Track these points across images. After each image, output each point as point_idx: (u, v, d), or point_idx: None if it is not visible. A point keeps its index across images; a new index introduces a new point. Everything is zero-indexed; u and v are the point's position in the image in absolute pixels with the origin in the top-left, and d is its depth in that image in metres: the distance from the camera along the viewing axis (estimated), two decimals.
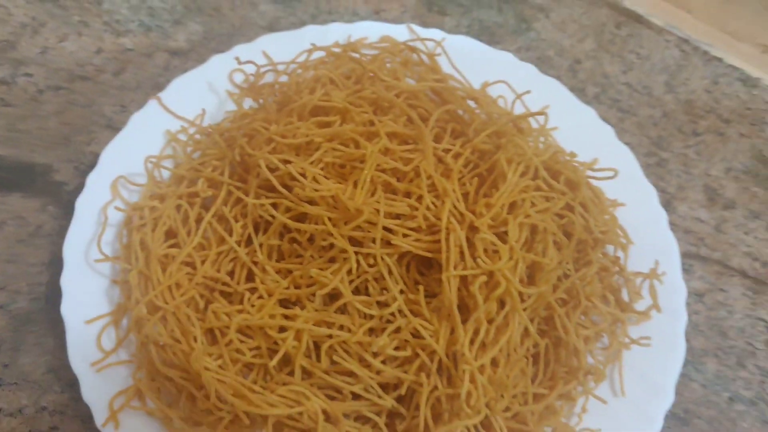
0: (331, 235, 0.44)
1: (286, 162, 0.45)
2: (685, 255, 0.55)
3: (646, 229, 0.53)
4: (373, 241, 0.44)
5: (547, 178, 0.47)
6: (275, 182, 0.45)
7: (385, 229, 0.44)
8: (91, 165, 0.56)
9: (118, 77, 0.61)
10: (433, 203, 0.45)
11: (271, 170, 0.46)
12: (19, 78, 0.60)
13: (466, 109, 0.54)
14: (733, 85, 0.67)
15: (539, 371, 0.46)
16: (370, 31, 0.61)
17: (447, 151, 0.49)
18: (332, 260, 0.46)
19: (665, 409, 0.47)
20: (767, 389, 0.52)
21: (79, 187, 0.55)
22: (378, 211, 0.44)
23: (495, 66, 0.60)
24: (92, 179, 0.51)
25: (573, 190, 0.48)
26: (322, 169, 0.46)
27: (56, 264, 0.52)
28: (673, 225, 0.53)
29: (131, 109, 0.59)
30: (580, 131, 0.57)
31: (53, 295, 0.50)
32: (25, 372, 0.48)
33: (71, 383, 0.47)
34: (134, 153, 0.53)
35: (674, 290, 0.51)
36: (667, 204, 0.59)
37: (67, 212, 0.54)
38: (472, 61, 0.59)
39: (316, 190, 0.44)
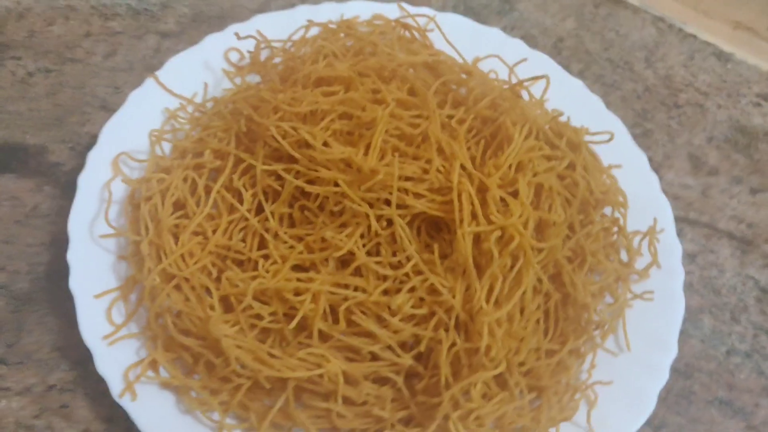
0: (345, 197, 0.44)
1: (296, 129, 0.46)
2: (676, 219, 0.56)
3: (639, 193, 0.54)
4: (386, 202, 0.45)
5: (552, 138, 0.48)
6: (287, 147, 0.45)
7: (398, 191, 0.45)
8: (88, 145, 0.55)
9: (110, 59, 0.60)
10: (442, 165, 0.46)
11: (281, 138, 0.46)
12: (6, 61, 0.59)
13: (461, 82, 0.55)
14: (708, 60, 0.70)
15: (549, 328, 0.47)
16: (361, 9, 0.61)
17: (450, 117, 0.50)
18: (344, 225, 0.46)
19: (670, 362, 0.48)
20: (761, 342, 0.54)
21: (76, 167, 0.54)
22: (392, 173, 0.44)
23: (485, 42, 0.61)
24: (93, 156, 0.50)
25: (574, 151, 0.49)
26: (330, 136, 0.47)
27: (56, 244, 0.51)
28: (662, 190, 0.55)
29: (125, 90, 0.58)
30: (570, 102, 0.58)
31: (55, 274, 0.50)
32: (30, 351, 0.47)
33: (79, 361, 0.47)
34: (134, 130, 0.52)
35: (670, 249, 0.53)
36: (655, 171, 0.60)
37: (64, 192, 0.53)
38: (461, 38, 0.60)
39: (328, 154, 0.44)
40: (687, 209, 0.60)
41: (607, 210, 0.53)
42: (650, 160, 0.59)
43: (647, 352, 0.49)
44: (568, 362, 0.47)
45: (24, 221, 0.52)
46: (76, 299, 0.45)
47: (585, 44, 0.69)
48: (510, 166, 0.46)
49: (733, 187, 0.62)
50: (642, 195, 0.55)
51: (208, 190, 0.48)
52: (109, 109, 0.57)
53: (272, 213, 0.47)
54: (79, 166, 0.52)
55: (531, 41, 0.68)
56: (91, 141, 0.55)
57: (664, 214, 0.54)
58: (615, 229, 0.52)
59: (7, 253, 0.50)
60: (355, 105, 0.47)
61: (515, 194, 0.45)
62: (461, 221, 0.44)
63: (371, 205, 0.45)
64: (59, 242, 0.51)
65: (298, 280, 0.44)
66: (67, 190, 0.53)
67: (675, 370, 0.51)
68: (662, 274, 0.52)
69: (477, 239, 0.44)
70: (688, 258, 0.57)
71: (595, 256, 0.48)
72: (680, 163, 0.63)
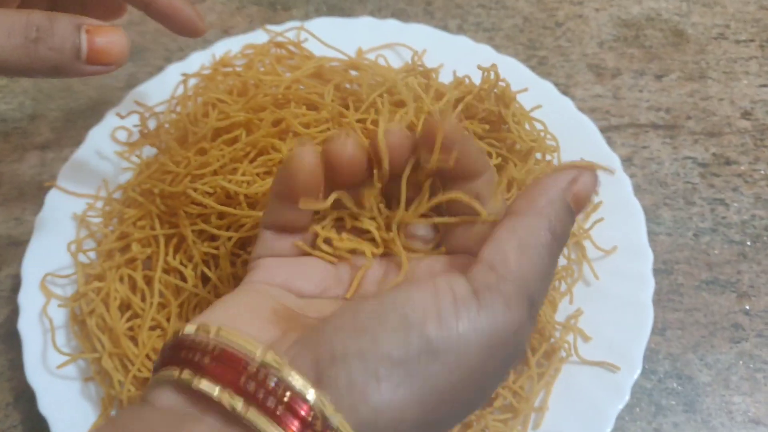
0: None
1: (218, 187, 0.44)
2: (602, 130, 0.57)
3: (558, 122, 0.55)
4: None
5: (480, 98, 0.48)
6: (215, 205, 0.43)
7: None
8: (13, 288, 0.53)
9: None
10: None
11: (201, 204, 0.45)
12: None
13: (350, 79, 0.54)
14: None
15: None
16: (230, 46, 0.60)
17: (362, 121, 0.49)
18: None
19: (650, 267, 0.48)
20: (719, 213, 0.55)
21: (10, 316, 0.52)
22: None
23: (357, 32, 0.61)
24: (22, 298, 0.47)
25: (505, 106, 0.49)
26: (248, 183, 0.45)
27: (23, 398, 0.48)
28: (578, 109, 0.56)
29: (27, 218, 0.56)
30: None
31: (35, 428, 0.47)
32: None
33: None
34: (55, 253, 0.49)
35: (609, 160, 0.53)
36: (565, 94, 0.61)
37: (8, 345, 0.50)
38: (339, 37, 0.59)
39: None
40: (607, 117, 0.61)
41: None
42: (556, 84, 0.59)
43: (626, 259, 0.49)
44: None
45: None
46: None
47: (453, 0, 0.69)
48: None
49: (639, 80, 0.63)
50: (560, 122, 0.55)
51: (148, 281, 0.46)
52: (18, 243, 0.54)
53: (219, 278, 0.45)
54: (13, 314, 0.49)
55: (402, 16, 0.68)
56: (15, 282, 0.53)
57: (591, 131, 0.54)
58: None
59: None
60: (261, 146, 0.46)
61: None
62: None
63: None
64: (25, 396, 0.48)
65: None
66: (10, 342, 0.50)
67: (657, 271, 0.51)
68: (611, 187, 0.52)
69: None
70: (626, 162, 0.58)
71: None
72: (584, 76, 0.63)
